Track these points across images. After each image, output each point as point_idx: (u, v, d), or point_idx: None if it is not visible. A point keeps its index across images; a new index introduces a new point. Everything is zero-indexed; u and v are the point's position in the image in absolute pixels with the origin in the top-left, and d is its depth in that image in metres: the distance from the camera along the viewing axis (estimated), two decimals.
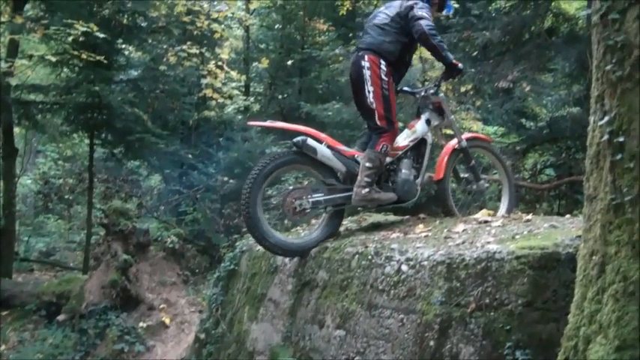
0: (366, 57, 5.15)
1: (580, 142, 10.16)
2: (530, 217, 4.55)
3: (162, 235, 12.14)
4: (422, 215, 5.40)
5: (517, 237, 3.82)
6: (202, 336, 6.42)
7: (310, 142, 5.04)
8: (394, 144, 5.28)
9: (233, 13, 14.93)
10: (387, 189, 5.21)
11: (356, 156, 5.16)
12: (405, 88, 5.92)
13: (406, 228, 4.90)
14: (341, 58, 13.64)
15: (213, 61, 13.90)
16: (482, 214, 4.88)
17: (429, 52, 5.54)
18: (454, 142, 5.57)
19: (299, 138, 5.03)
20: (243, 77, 16.25)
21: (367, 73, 5.11)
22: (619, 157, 2.37)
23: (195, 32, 13.70)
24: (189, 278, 11.33)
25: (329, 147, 5.13)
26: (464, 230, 4.34)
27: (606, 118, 2.43)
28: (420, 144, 5.44)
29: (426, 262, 3.84)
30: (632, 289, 2.27)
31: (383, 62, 5.16)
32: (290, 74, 16.30)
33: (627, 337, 2.26)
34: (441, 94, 5.70)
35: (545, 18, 10.80)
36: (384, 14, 5.38)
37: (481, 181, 5.70)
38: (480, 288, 3.44)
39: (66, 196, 16.16)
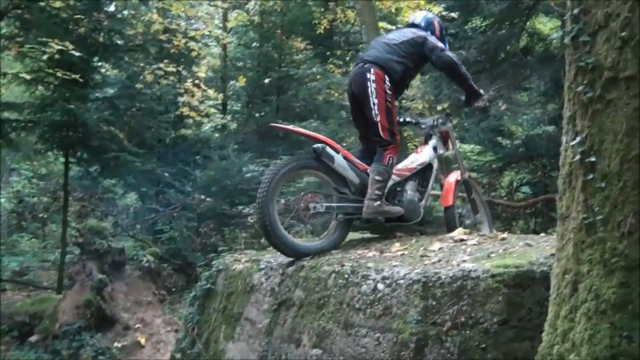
0: (372, 70, 5.19)
1: (555, 160, 10.21)
2: (505, 235, 4.57)
3: (138, 254, 12.09)
4: (398, 234, 5.41)
5: (492, 255, 3.84)
6: (178, 356, 6.36)
7: (329, 150, 5.10)
8: (403, 165, 5.45)
9: (210, 32, 14.95)
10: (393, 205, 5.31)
11: (369, 170, 5.21)
12: (409, 119, 6.12)
13: (382, 246, 4.91)
14: (318, 77, 13.69)
15: (190, 80, 13.92)
16: (458, 233, 4.90)
17: (455, 81, 5.74)
18: (457, 173, 5.73)
19: (319, 145, 5.09)
20: (221, 95, 16.26)
21: (372, 85, 5.15)
22: (591, 177, 2.40)
23: (172, 50, 13.70)
24: (166, 297, 11.26)
25: (344, 158, 5.21)
26: (440, 249, 4.35)
27: (578, 139, 2.47)
28: (426, 169, 5.58)
29: (402, 281, 3.84)
30: (604, 307, 2.29)
31: (387, 77, 5.22)
32: (267, 92, 16.32)
33: (599, 355, 2.28)
34: (449, 124, 5.86)
35: (520, 38, 10.94)
36: (394, 36, 5.54)
37: (478, 214, 5.81)
38: (455, 306, 3.45)
39: (40, 215, 16.04)
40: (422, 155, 5.59)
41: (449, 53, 5.34)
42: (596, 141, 2.39)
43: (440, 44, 5.37)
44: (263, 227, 4.96)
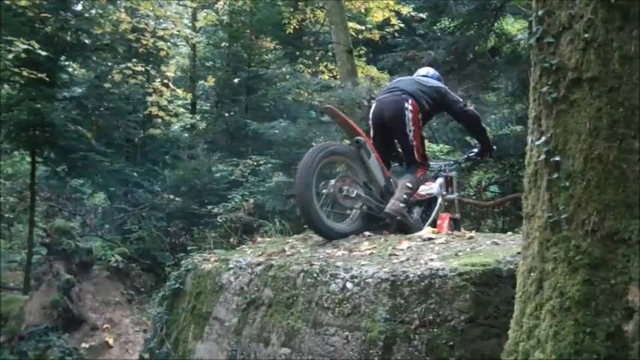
0: (410, 101, 5.58)
1: (523, 159, 10.29)
2: (473, 234, 4.61)
3: (106, 254, 11.97)
4: (367, 233, 5.44)
5: (460, 254, 3.87)
6: (147, 356, 6.32)
7: (368, 146, 5.43)
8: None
9: (179, 31, 14.87)
10: None
11: (402, 177, 5.59)
12: None
13: (351, 246, 4.91)
14: (288, 77, 13.67)
15: (159, 79, 13.83)
16: (426, 232, 4.93)
17: (474, 133, 6.29)
18: (448, 214, 6.11)
19: (361, 137, 5.39)
20: (190, 95, 16.18)
21: (410, 115, 5.55)
22: (555, 176, 2.44)
23: (140, 50, 13.60)
24: (134, 297, 11.19)
25: (376, 159, 5.54)
26: (408, 248, 4.37)
27: (543, 139, 2.50)
28: (431, 200, 6.03)
29: (370, 280, 3.85)
30: (568, 304, 2.33)
31: (419, 109, 5.63)
32: (237, 92, 16.29)
33: (564, 352, 2.31)
34: (454, 173, 6.28)
35: (488, 38, 11.03)
36: (425, 80, 5.98)
37: None
38: (423, 305, 3.47)
39: (7, 215, 15.78)
40: (431, 188, 6.04)
41: (471, 107, 5.94)
42: (560, 141, 2.43)
43: (462, 100, 5.94)
44: (303, 212, 5.15)
